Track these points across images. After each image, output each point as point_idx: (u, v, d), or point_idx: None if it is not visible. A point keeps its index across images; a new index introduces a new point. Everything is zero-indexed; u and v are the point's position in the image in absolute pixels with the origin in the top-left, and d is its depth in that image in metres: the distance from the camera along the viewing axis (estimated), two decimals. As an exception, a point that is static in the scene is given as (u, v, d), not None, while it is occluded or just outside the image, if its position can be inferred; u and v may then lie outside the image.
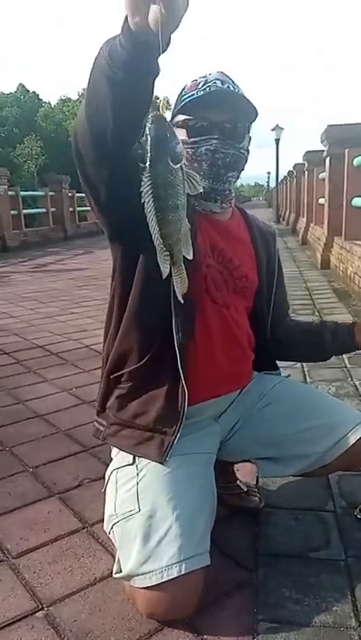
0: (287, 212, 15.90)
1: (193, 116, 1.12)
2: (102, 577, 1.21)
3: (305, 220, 9.75)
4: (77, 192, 13.90)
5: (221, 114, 1.12)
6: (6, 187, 10.63)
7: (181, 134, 1.12)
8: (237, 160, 1.16)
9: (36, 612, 1.11)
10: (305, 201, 9.83)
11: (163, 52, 0.79)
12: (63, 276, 6.85)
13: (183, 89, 1.15)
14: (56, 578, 1.21)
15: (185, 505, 1.05)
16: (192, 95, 1.11)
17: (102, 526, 1.38)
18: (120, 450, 1.18)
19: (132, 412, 1.15)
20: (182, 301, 0.95)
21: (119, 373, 1.17)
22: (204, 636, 1.03)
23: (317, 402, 1.34)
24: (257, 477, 1.60)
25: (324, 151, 6.43)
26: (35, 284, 6.12)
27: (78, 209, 14.48)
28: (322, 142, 6.32)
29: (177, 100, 1.17)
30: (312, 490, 1.54)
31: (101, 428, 1.23)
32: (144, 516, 1.04)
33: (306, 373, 2.56)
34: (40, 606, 1.13)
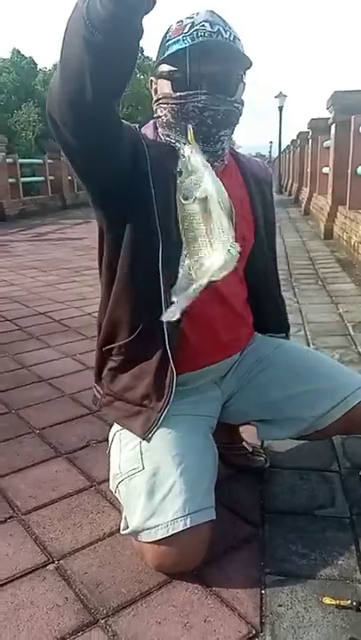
0: (290, 182, 15.68)
1: (178, 67, 1.01)
2: (111, 532, 1.23)
3: (308, 189, 9.61)
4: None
5: (210, 64, 1.00)
6: (4, 154, 10.43)
7: (165, 87, 1.05)
8: (230, 115, 1.06)
9: (47, 565, 1.13)
10: (308, 170, 9.68)
11: (148, 12, 0.72)
12: (63, 244, 6.79)
13: (168, 32, 1.04)
14: (66, 533, 1.23)
15: (188, 462, 1.06)
16: (177, 41, 1.00)
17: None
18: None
19: (123, 385, 1.15)
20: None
21: (111, 346, 1.17)
22: (213, 588, 1.06)
23: (317, 366, 1.32)
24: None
25: (329, 118, 6.29)
26: (34, 253, 6.06)
27: (77, 178, 14.26)
28: (328, 109, 6.18)
29: (161, 44, 1.05)
30: (317, 451, 1.55)
31: (98, 396, 1.23)
32: (148, 473, 1.05)
33: (309, 340, 2.56)
34: (51, 559, 1.15)
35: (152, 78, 1.11)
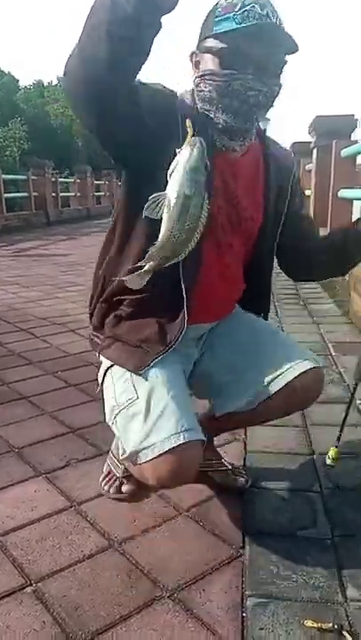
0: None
1: (228, 45, 1.04)
2: (91, 554, 1.21)
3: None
4: (60, 177, 13.69)
5: (259, 47, 1.03)
6: (-12, 169, 10.40)
7: (210, 62, 1.07)
8: (270, 97, 1.10)
9: (24, 588, 1.10)
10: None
11: (170, 11, 0.80)
12: (46, 261, 6.76)
13: (216, 7, 1.06)
14: (44, 555, 1.21)
15: (177, 388, 1.13)
16: (226, 19, 1.03)
17: (91, 504, 1.39)
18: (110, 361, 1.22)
19: (127, 329, 1.20)
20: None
21: (123, 297, 1.20)
22: (194, 611, 1.04)
23: (274, 337, 1.36)
24: (244, 458, 1.61)
25: (311, 142, 6.44)
26: (17, 269, 6.02)
27: (61, 194, 14.28)
28: (309, 133, 6.34)
29: (207, 18, 1.08)
30: (299, 471, 1.56)
31: (98, 342, 1.25)
32: (142, 400, 1.10)
33: (291, 360, 2.58)
34: (28, 582, 1.12)
35: (195, 51, 1.13)
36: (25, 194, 12.56)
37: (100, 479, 1.42)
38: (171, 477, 1.07)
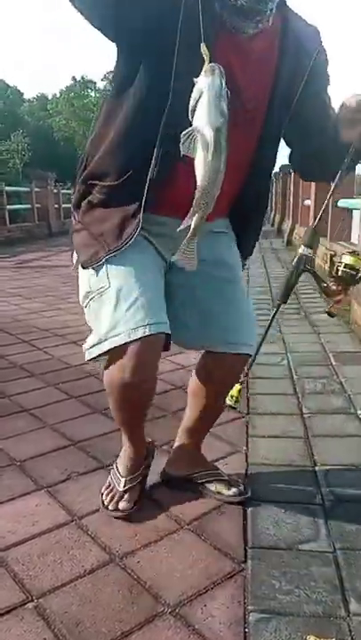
0: (273, 214, 15.99)
1: None
2: (92, 569, 1.20)
3: (290, 221, 9.81)
4: (63, 189, 13.78)
5: None
6: (-10, 182, 10.50)
7: None
8: None
9: (25, 604, 1.10)
10: (291, 202, 9.90)
11: None
12: (48, 272, 6.78)
13: None
14: (45, 570, 1.20)
15: (148, 282, 1.17)
16: None
17: (92, 518, 1.39)
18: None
19: (93, 218, 1.21)
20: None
21: (95, 182, 1.20)
22: (196, 626, 1.03)
23: (239, 301, 1.35)
24: (245, 470, 1.61)
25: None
26: (19, 280, 6.04)
27: (63, 206, 14.36)
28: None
29: None
30: (300, 483, 1.55)
31: (73, 222, 1.28)
32: (114, 289, 1.15)
33: (292, 369, 2.58)
34: (30, 598, 1.11)
35: None
36: (28, 205, 12.64)
37: (102, 489, 1.42)
38: (131, 373, 1.13)
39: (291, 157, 1.36)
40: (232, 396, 1.38)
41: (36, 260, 8.38)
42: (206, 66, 0.89)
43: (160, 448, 1.73)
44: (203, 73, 0.89)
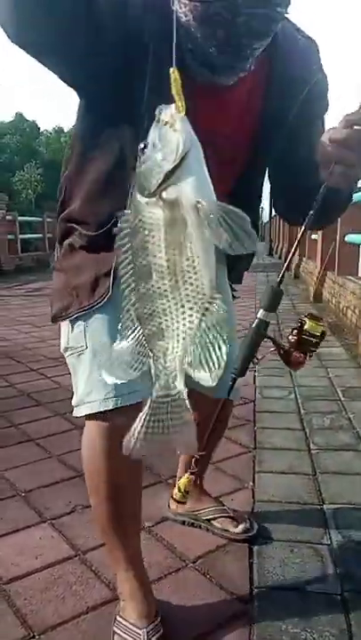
0: (280, 246, 16.14)
1: None
2: (95, 606, 1.18)
3: (297, 254, 9.89)
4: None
5: None
6: (4, 211, 10.74)
7: None
8: (268, 23, 0.82)
9: (26, 641, 1.08)
10: (298, 235, 9.98)
11: None
12: (57, 301, 6.85)
13: None
14: (47, 605, 1.18)
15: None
16: None
17: (96, 554, 1.37)
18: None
19: (70, 266, 1.12)
20: None
21: (74, 227, 1.10)
22: (200, 670, 1.01)
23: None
24: (252, 508, 1.59)
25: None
26: (30, 308, 6.11)
27: (74, 236, 14.64)
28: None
29: None
30: (308, 523, 1.53)
31: (55, 258, 1.20)
32: (90, 352, 1.09)
33: (300, 404, 2.56)
34: (32, 634, 1.10)
35: None
36: (40, 235, 12.90)
37: None
38: (108, 437, 1.07)
39: (274, 203, 1.27)
40: (180, 489, 1.07)
41: (46, 288, 8.47)
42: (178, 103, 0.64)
43: (166, 482, 1.72)
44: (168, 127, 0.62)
